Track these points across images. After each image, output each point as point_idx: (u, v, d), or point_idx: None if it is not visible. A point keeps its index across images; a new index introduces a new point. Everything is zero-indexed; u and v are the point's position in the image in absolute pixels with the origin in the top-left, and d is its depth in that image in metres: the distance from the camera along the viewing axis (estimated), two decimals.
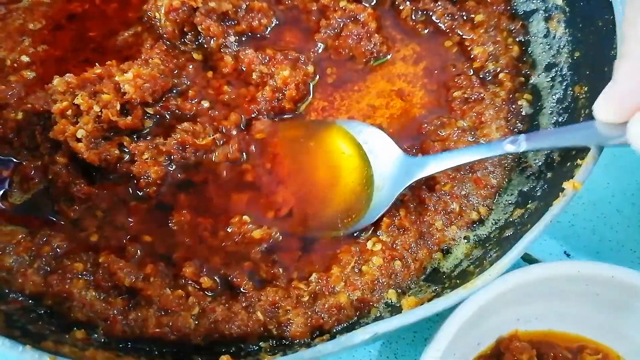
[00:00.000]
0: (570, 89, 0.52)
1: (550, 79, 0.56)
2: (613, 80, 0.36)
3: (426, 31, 0.62)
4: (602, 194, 0.60)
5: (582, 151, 0.42)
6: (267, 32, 0.62)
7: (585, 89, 0.50)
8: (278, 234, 0.51)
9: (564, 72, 0.54)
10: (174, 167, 0.54)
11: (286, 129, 0.56)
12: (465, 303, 0.41)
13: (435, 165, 0.49)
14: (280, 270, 0.49)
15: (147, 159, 0.52)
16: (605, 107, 0.36)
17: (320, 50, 0.61)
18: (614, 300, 0.46)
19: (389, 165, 0.51)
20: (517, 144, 0.45)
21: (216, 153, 0.54)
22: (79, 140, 0.51)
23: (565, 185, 0.41)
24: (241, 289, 0.47)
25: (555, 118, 0.53)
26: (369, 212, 0.51)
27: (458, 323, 0.40)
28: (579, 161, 0.42)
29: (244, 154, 0.55)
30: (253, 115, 0.57)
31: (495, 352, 0.46)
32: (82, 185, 0.52)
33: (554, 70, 0.56)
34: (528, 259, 0.54)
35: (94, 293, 0.46)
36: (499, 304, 0.43)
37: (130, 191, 0.53)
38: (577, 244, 0.57)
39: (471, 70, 0.60)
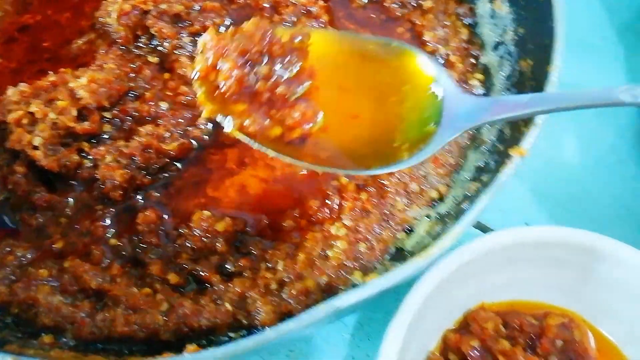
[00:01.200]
0: (517, 64, 0.54)
1: (499, 57, 0.58)
2: None
3: (379, 20, 0.64)
4: (560, 163, 0.62)
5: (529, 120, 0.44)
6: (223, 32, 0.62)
7: (531, 62, 0.52)
8: (243, 225, 0.51)
9: (511, 49, 0.56)
10: (138, 170, 0.54)
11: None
12: (426, 275, 0.42)
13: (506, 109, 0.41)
14: (247, 261, 0.49)
15: (110, 162, 0.52)
16: None
17: None
18: (573, 264, 0.47)
19: (455, 101, 0.44)
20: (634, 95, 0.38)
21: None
22: (36, 148, 0.51)
23: (512, 152, 0.42)
24: (209, 283, 0.48)
25: (504, 93, 0.55)
26: (417, 152, 0.43)
27: (421, 296, 0.41)
28: (524, 129, 0.43)
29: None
30: None
31: (463, 325, 0.47)
32: (43, 193, 0.52)
33: (502, 48, 0.58)
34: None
35: (60, 298, 0.45)
36: (461, 276, 0.45)
37: (95, 196, 0.53)
38: (539, 215, 0.59)
39: None
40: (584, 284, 0.48)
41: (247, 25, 0.45)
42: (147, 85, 0.58)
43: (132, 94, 0.58)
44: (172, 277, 0.48)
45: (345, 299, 0.35)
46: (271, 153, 0.43)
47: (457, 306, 0.48)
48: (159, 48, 0.61)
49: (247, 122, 0.43)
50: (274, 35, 0.44)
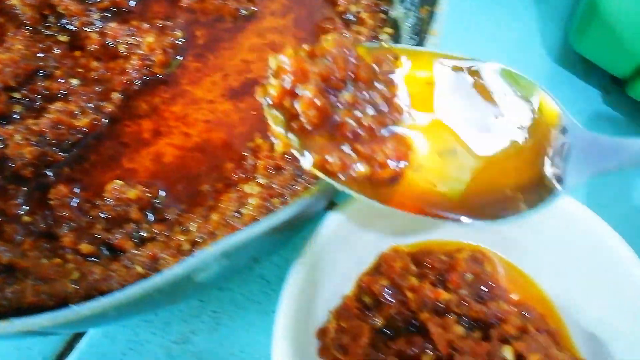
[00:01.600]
0: (418, 12, 0.55)
1: (404, 10, 0.59)
2: None
3: None
4: None
5: None
6: (132, 6, 0.62)
7: (428, 9, 0.52)
8: (157, 191, 0.51)
9: (414, 0, 0.57)
10: (49, 146, 0.53)
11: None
12: (327, 217, 0.42)
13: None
14: (161, 226, 0.49)
15: (19, 140, 0.52)
16: None
17: (187, 15, 0.62)
18: None
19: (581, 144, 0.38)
20: None
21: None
22: None
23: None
24: (122, 250, 0.48)
25: (408, 42, 0.55)
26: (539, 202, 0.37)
27: (322, 238, 0.42)
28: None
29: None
30: (126, 83, 0.57)
31: (376, 268, 0.48)
32: None
33: (407, 0, 0.58)
34: None
35: None
36: (371, 217, 0.45)
37: (7, 176, 0.52)
38: None
39: (335, 14, 0.62)
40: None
41: (327, 44, 0.38)
42: (57, 64, 0.58)
43: (41, 72, 0.57)
44: (84, 247, 0.47)
45: (228, 242, 0.36)
46: (361, 198, 0.37)
47: (371, 251, 0.48)
48: (68, 27, 0.60)
49: (329, 158, 0.37)
50: (359, 56, 0.38)
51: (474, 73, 0.41)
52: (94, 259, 0.48)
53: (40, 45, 0.59)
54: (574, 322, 0.46)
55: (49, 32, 0.60)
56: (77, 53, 0.59)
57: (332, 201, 0.44)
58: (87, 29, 0.60)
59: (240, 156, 0.54)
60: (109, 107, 0.56)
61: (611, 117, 0.62)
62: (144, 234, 0.49)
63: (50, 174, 0.53)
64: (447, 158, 0.39)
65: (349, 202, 0.44)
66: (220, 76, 0.59)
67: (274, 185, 0.51)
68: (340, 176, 0.37)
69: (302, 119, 0.37)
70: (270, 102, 0.37)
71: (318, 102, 0.36)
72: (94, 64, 0.58)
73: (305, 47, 0.39)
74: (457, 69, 0.41)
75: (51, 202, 0.51)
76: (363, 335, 0.42)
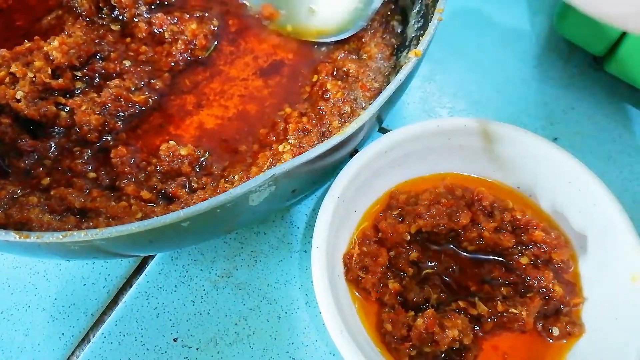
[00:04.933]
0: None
1: None
2: None
3: None
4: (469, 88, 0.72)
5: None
6: (173, 0, 0.72)
7: None
8: (204, 151, 0.60)
9: None
10: (110, 116, 0.62)
11: None
12: (350, 162, 0.51)
13: None
14: (208, 178, 0.58)
15: (86, 109, 0.60)
16: None
17: (220, 7, 0.71)
18: (474, 148, 0.57)
19: None
20: None
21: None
22: (18, 101, 0.59)
23: (410, 54, 0.52)
24: (177, 197, 0.56)
25: (416, 26, 0.65)
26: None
27: (347, 175, 0.51)
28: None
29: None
30: (172, 65, 0.66)
31: (386, 202, 0.56)
32: (27, 139, 0.59)
33: None
34: None
35: (49, 216, 0.53)
36: (382, 166, 0.54)
37: (74, 139, 0.61)
38: None
39: None
40: (484, 164, 0.58)
41: None
42: (111, 49, 0.67)
43: (99, 55, 0.66)
44: (145, 194, 0.56)
45: (279, 167, 0.44)
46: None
47: (383, 191, 0.57)
48: (120, 17, 0.70)
49: None
50: None
51: None
52: (153, 204, 0.56)
53: (96, 33, 0.68)
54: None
55: (103, 22, 0.69)
56: (128, 39, 0.68)
57: (355, 149, 0.53)
58: (136, 19, 0.69)
59: (273, 122, 0.62)
60: (158, 84, 0.65)
61: (593, 91, 0.71)
62: (194, 185, 0.57)
63: (111, 139, 0.62)
64: None
65: (368, 149, 0.52)
66: (251, 58, 0.69)
67: (302, 144, 0.60)
68: None
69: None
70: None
71: None
72: (143, 47, 0.67)
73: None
74: None
75: (113, 161, 0.59)
76: (380, 255, 0.50)
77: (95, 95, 0.62)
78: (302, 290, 0.57)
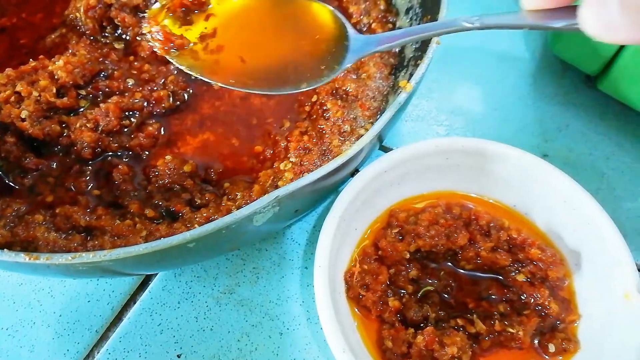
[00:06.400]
0: (422, 21, 0.66)
1: (409, 20, 0.69)
2: None
3: None
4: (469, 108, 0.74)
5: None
6: None
7: (429, 17, 0.63)
8: (205, 168, 0.61)
9: (417, 11, 0.68)
10: (104, 132, 0.63)
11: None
12: (350, 181, 0.52)
13: (387, 41, 0.51)
14: (211, 195, 0.59)
15: (80, 127, 0.61)
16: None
17: None
18: (471, 167, 0.58)
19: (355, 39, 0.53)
20: (472, 22, 0.47)
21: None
22: (23, 120, 0.60)
23: (400, 84, 0.53)
24: (180, 214, 0.57)
25: (414, 47, 0.66)
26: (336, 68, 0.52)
27: (348, 194, 0.52)
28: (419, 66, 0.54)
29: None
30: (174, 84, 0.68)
31: (386, 220, 0.57)
32: (32, 158, 0.60)
33: (411, 11, 0.69)
34: None
35: (55, 234, 0.54)
36: (382, 184, 0.55)
37: (74, 158, 0.62)
38: None
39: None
40: (480, 183, 0.59)
41: None
42: (115, 67, 0.68)
43: (103, 74, 0.67)
44: (149, 212, 0.57)
45: (282, 189, 0.46)
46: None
47: (382, 210, 0.58)
48: (123, 36, 0.71)
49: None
50: None
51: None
52: (157, 221, 0.57)
53: (100, 51, 0.69)
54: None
55: (106, 41, 0.71)
56: (131, 58, 0.70)
57: (356, 168, 0.54)
58: (139, 38, 0.70)
59: (275, 140, 0.64)
60: (162, 103, 0.66)
61: (586, 108, 0.73)
62: (198, 201, 0.58)
63: (112, 157, 0.62)
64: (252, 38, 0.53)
65: (368, 169, 0.54)
66: None
67: (304, 163, 0.61)
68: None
69: None
70: None
71: None
72: (146, 66, 0.68)
73: None
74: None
75: (115, 178, 0.60)
76: (381, 274, 0.51)
77: (91, 112, 0.63)
78: (303, 306, 0.58)
